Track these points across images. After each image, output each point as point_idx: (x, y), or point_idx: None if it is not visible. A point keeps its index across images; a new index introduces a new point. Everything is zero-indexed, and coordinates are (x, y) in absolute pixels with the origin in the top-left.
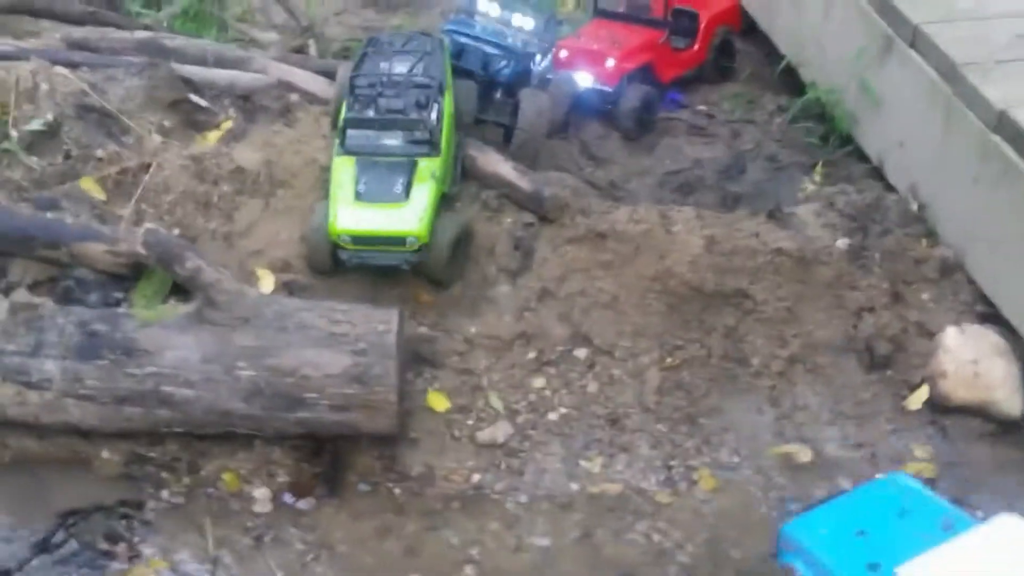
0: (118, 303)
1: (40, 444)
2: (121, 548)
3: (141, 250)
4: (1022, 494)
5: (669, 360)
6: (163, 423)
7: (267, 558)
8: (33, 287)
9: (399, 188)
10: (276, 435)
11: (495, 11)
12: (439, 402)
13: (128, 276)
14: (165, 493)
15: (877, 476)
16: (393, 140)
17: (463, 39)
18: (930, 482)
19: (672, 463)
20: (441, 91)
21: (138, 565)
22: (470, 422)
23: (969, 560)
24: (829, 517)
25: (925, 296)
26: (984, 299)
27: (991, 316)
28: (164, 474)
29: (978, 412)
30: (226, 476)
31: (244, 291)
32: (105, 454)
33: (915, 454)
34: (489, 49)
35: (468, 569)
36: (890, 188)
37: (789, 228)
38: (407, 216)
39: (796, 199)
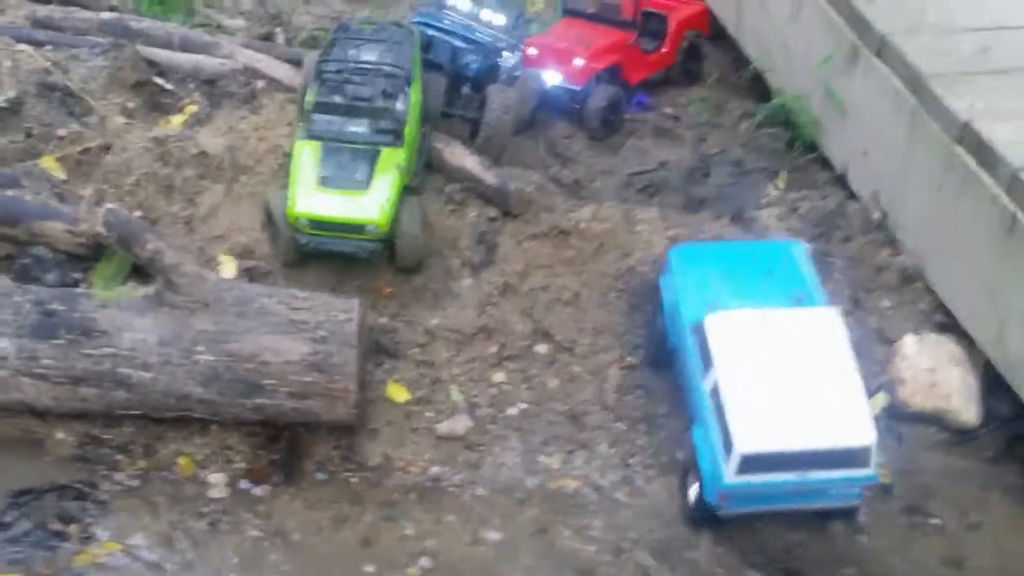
0: (76, 283)
1: None
2: (74, 529)
3: (102, 230)
4: (975, 503)
5: (630, 359)
6: (119, 405)
7: (221, 543)
8: None
9: (361, 175)
10: (233, 421)
11: (464, 5)
12: (399, 393)
13: (87, 256)
14: (120, 475)
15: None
16: (358, 127)
17: (432, 32)
18: (885, 489)
19: (630, 461)
20: (409, 82)
21: (91, 546)
22: (429, 414)
23: (771, 327)
24: (710, 254)
25: (885, 304)
26: (943, 308)
27: (949, 325)
28: (119, 456)
29: (934, 420)
30: (182, 460)
31: (204, 275)
32: (59, 434)
33: None
34: (458, 43)
35: (423, 561)
36: (853, 196)
37: (752, 232)
38: (367, 204)
39: (759, 203)
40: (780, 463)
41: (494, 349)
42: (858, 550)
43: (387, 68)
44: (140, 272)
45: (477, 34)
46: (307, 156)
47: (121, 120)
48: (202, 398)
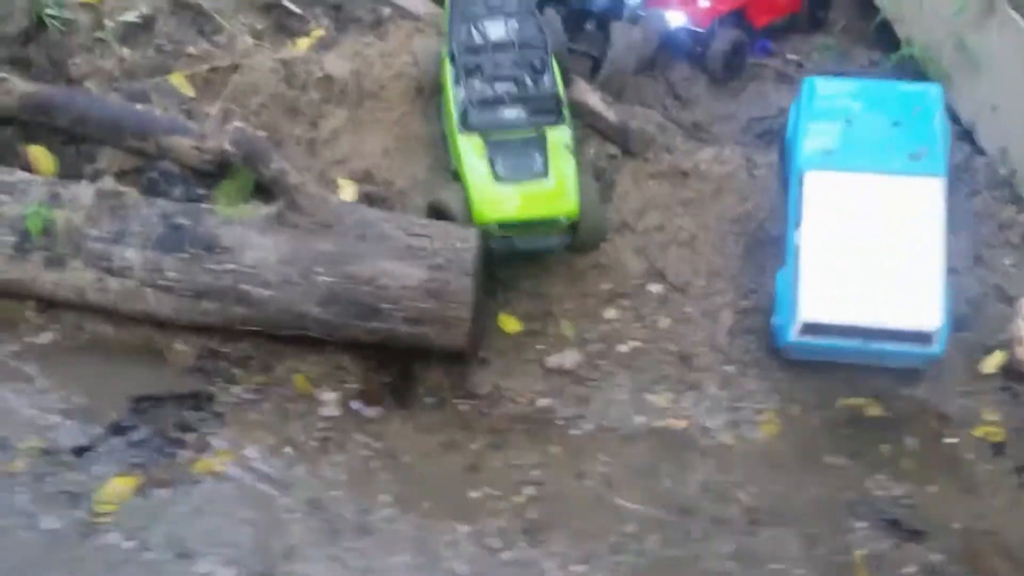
0: (201, 199)
1: (117, 331)
2: (191, 438)
3: (228, 147)
4: None
5: (743, 303)
6: (238, 320)
7: (332, 460)
8: (119, 176)
9: (538, 164)
10: (348, 342)
11: None
12: (510, 324)
13: (213, 173)
14: (236, 389)
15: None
16: (517, 112)
17: None
18: (998, 447)
19: (739, 404)
20: (548, 51)
21: (207, 455)
22: (540, 347)
23: (868, 194)
24: (844, 92)
25: (1007, 261)
26: None
27: None
28: (236, 370)
29: None
30: (297, 378)
31: (326, 197)
32: (179, 346)
33: (984, 417)
34: None
35: (529, 490)
36: (980, 150)
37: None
38: (554, 195)
39: None
40: (843, 332)
41: (607, 286)
42: (967, 507)
43: (523, 41)
44: (263, 191)
45: None
46: (473, 152)
47: (249, 41)
48: (319, 318)
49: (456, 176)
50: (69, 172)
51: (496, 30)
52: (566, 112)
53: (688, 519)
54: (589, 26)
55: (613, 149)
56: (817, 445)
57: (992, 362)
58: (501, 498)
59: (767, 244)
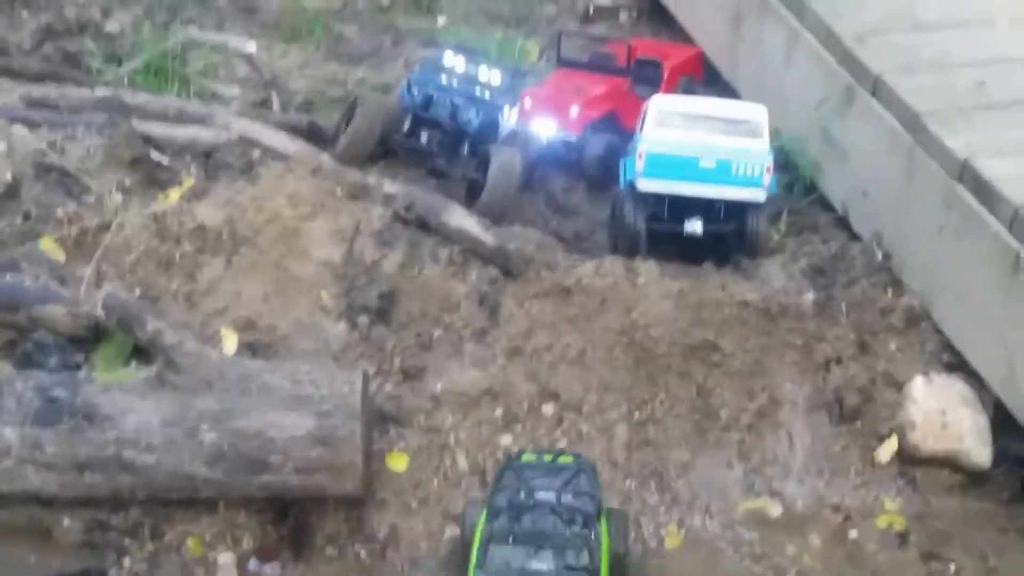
0: (78, 367)
1: None
2: None
3: (101, 313)
4: (992, 546)
5: (637, 415)
6: (125, 489)
7: None
8: None
9: None
10: (241, 499)
11: (461, 66)
12: (399, 462)
13: (88, 339)
14: (128, 561)
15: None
16: (543, 564)
17: (430, 89)
18: (902, 536)
19: (641, 519)
20: (598, 516)
21: None
22: (437, 481)
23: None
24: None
25: (892, 346)
26: (951, 348)
27: (958, 365)
28: (127, 541)
29: (947, 463)
30: (190, 541)
31: (206, 353)
32: (66, 522)
33: (885, 507)
34: (457, 99)
35: None
36: (855, 237)
37: (755, 280)
38: None
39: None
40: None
41: (500, 411)
42: None
43: (571, 501)
44: (142, 352)
45: (476, 91)
46: None
47: (118, 198)
48: (208, 478)
49: None
50: None
51: (544, 492)
52: None
53: None
54: (466, 149)
55: (495, 272)
56: (722, 552)
57: (886, 450)
58: None
59: (656, 353)
